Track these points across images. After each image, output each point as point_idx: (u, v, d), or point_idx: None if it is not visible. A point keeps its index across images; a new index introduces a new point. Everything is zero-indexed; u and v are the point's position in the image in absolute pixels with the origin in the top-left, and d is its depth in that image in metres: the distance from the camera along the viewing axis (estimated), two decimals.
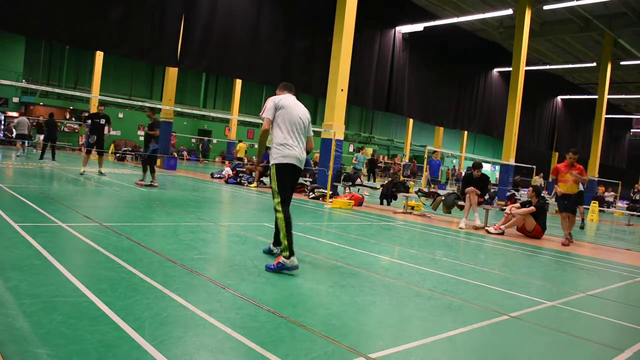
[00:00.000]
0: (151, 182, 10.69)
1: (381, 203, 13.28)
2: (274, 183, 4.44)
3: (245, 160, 21.19)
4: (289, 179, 4.50)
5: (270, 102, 4.51)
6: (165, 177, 14.93)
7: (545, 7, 18.41)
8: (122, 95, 27.35)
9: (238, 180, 14.91)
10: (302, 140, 4.59)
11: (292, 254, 4.23)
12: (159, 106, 17.93)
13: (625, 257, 8.09)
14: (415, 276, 4.73)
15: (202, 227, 6.19)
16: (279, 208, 4.39)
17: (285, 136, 4.44)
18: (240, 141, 24.69)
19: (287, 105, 4.51)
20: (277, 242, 4.88)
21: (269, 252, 4.95)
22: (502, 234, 9.19)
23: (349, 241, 6.38)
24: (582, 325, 3.76)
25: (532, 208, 9.14)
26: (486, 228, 9.50)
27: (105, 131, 11.81)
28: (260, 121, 4.60)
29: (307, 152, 4.74)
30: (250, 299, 3.33)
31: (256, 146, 28.09)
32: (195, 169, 21.80)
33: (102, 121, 12.05)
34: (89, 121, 12.25)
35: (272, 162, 4.47)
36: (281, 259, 4.23)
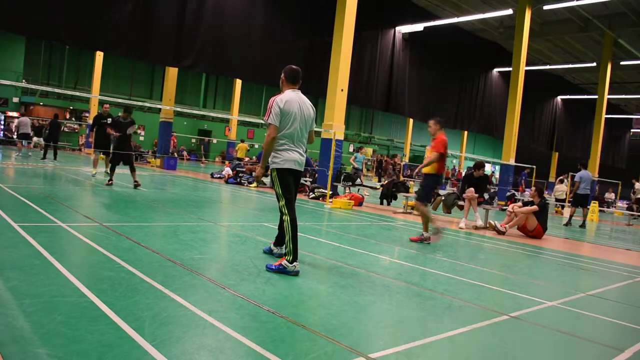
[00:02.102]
0: (110, 180, 10.11)
1: (381, 203, 13.28)
2: (277, 187, 4.39)
3: (246, 160, 21.17)
4: (291, 181, 4.44)
5: (275, 107, 4.30)
6: (166, 177, 14.93)
7: (545, 7, 18.42)
8: (122, 95, 27.33)
9: (238, 180, 14.91)
10: (304, 144, 4.54)
11: (295, 259, 4.21)
12: (158, 106, 17.96)
13: (625, 257, 8.09)
14: (415, 276, 4.73)
15: (202, 227, 6.18)
16: (285, 211, 4.34)
17: (287, 140, 4.37)
18: (242, 141, 24.64)
19: (291, 110, 4.34)
20: (278, 242, 4.88)
21: (269, 252, 4.94)
22: (503, 233, 9.20)
23: (349, 241, 6.38)
24: (582, 325, 3.76)
25: (534, 207, 9.16)
26: (490, 222, 9.56)
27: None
28: (260, 121, 4.58)
29: (309, 143, 4.71)
30: (250, 299, 3.32)
31: (257, 146, 27.87)
32: (196, 169, 21.79)
33: (108, 120, 11.42)
34: (95, 126, 11.84)
35: (272, 166, 4.42)
36: (284, 262, 4.21)
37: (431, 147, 7.17)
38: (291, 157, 4.38)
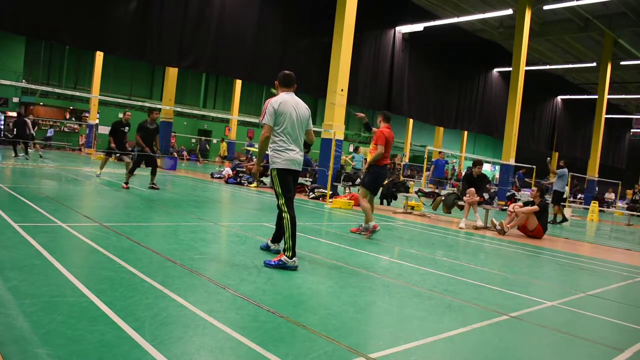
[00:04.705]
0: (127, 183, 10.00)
1: (381, 203, 13.28)
2: (277, 187, 4.53)
3: (246, 161, 21.25)
4: (290, 181, 4.59)
5: (270, 107, 4.47)
6: (166, 177, 14.93)
7: (545, 7, 18.42)
8: (122, 95, 27.34)
9: (238, 180, 14.92)
10: (301, 143, 4.67)
11: (294, 255, 4.33)
12: (158, 106, 17.97)
13: (625, 257, 8.09)
14: (415, 276, 4.73)
15: (202, 227, 6.18)
16: (285, 209, 4.47)
17: (285, 140, 4.50)
18: (222, 140, 25.28)
19: (286, 111, 4.48)
20: (275, 239, 4.99)
21: (266, 248, 5.05)
22: (504, 233, 9.21)
23: (349, 241, 6.38)
24: (582, 325, 3.76)
25: (535, 207, 9.17)
26: (493, 221, 9.56)
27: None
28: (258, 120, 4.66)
29: (308, 145, 4.85)
30: (250, 299, 3.32)
31: (256, 146, 28.14)
32: (196, 169, 21.80)
33: (126, 129, 11.61)
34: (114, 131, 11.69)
35: (272, 166, 4.54)
36: (283, 257, 4.31)
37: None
38: (290, 157, 4.52)
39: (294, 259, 4.31)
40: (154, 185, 10.15)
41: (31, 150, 18.08)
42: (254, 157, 23.76)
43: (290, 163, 4.51)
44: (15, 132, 17.38)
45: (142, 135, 10.06)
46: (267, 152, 4.70)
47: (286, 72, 4.78)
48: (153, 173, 10.31)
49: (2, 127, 24.32)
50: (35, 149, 18.76)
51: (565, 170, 13.56)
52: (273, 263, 4.30)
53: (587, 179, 23.90)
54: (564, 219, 13.70)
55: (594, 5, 17.98)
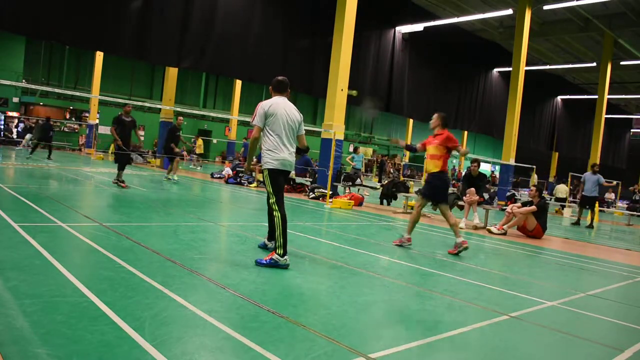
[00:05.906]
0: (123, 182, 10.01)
1: (381, 203, 13.28)
2: (268, 186, 4.60)
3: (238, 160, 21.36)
4: (282, 180, 4.68)
5: (260, 109, 4.59)
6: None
7: (545, 7, 18.41)
8: (122, 95, 27.31)
9: (238, 180, 14.92)
10: (292, 144, 4.75)
11: (285, 253, 4.37)
12: (158, 106, 17.96)
13: (625, 257, 8.08)
14: (415, 276, 4.73)
15: (202, 227, 6.18)
16: (276, 207, 4.54)
17: (276, 140, 4.59)
18: (199, 137, 25.58)
19: (276, 112, 4.59)
20: (271, 237, 5.03)
21: (263, 246, 5.11)
22: (504, 234, 9.20)
23: (349, 241, 6.37)
24: (582, 325, 3.76)
25: (533, 207, 9.15)
26: (488, 227, 9.52)
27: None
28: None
29: (302, 148, 4.99)
30: (250, 299, 3.33)
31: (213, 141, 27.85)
32: (195, 169, 21.79)
33: (179, 133, 13.16)
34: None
35: (264, 166, 4.62)
36: (274, 255, 4.35)
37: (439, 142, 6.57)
38: (281, 157, 4.59)
39: (285, 257, 4.34)
40: (118, 182, 9.91)
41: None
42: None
43: (281, 163, 4.58)
44: (40, 135, 17.49)
45: (118, 129, 10.02)
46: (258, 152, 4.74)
47: (279, 78, 4.90)
48: (121, 168, 10.08)
49: (2, 127, 24.34)
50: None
51: (599, 175, 13.44)
52: (265, 262, 4.33)
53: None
54: (577, 222, 13.75)
55: (594, 5, 17.97)
